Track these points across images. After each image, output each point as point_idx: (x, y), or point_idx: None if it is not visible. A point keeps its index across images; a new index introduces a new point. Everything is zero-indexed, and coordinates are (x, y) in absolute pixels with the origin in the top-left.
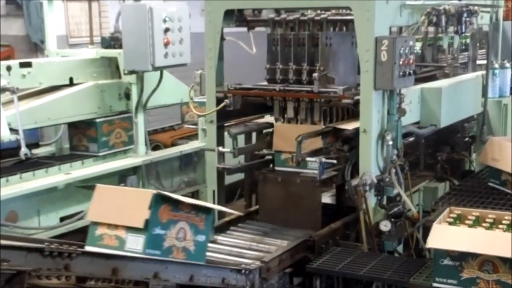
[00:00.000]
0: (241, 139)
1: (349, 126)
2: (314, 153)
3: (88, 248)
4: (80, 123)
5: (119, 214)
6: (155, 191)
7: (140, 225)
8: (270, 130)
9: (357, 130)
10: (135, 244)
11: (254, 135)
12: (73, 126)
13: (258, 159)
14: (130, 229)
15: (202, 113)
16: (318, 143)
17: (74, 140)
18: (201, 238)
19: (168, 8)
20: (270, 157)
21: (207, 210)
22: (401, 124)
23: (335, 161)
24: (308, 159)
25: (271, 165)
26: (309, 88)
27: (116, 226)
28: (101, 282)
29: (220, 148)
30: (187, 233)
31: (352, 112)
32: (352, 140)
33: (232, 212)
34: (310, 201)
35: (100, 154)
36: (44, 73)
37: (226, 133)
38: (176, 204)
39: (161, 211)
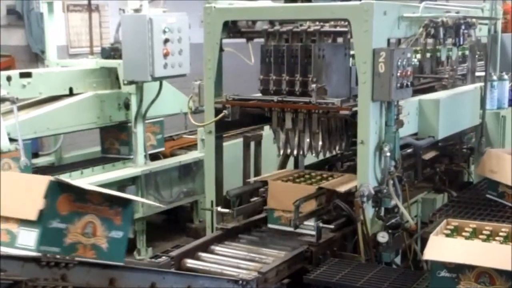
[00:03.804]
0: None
1: (342, 187)
2: (311, 214)
3: (271, 226)
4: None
5: (10, 205)
6: (52, 177)
7: (33, 217)
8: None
9: (352, 191)
10: (27, 240)
11: None
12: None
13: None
14: (23, 222)
15: (201, 124)
16: (312, 205)
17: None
18: (117, 234)
19: (168, 19)
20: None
21: (124, 202)
22: (398, 136)
23: (332, 226)
24: (306, 223)
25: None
26: (306, 100)
27: (7, 219)
28: None
29: (219, 208)
30: (97, 228)
31: (350, 123)
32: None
33: (157, 205)
34: None
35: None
36: (44, 83)
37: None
38: (82, 194)
39: (61, 201)
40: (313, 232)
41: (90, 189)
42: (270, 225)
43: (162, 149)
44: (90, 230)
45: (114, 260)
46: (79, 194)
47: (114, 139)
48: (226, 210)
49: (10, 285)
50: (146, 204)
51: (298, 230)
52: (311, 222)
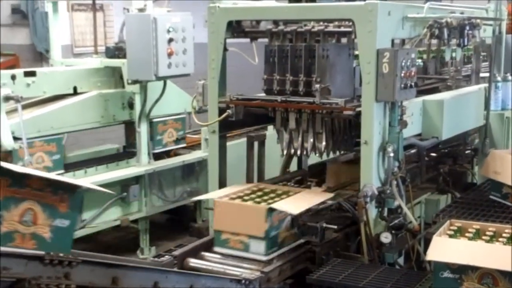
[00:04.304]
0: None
1: (295, 209)
2: (315, 215)
3: (217, 250)
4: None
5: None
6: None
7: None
8: None
9: (307, 211)
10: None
11: None
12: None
13: None
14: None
15: (205, 123)
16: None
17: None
18: (63, 223)
19: (172, 19)
20: None
21: (72, 188)
22: (402, 136)
23: (335, 227)
24: (309, 223)
25: None
26: (310, 100)
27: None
28: None
29: None
30: (38, 216)
31: (354, 124)
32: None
33: (106, 191)
34: None
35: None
36: (48, 82)
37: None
38: (20, 178)
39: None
40: (264, 258)
41: (28, 173)
42: (217, 249)
43: (184, 145)
44: (29, 218)
45: (59, 251)
46: (16, 178)
47: None
48: None
49: (14, 283)
50: (149, 203)
51: (248, 255)
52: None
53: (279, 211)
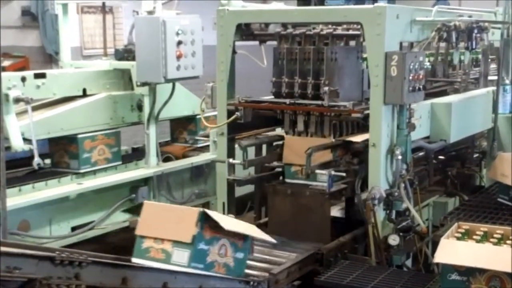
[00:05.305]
0: (251, 152)
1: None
2: (324, 165)
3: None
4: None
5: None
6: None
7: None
8: (280, 142)
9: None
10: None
11: (264, 147)
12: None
13: (268, 171)
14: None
15: (213, 126)
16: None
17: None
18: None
19: (181, 21)
20: (280, 169)
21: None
22: (410, 139)
23: (344, 174)
24: (317, 171)
25: (281, 177)
26: (319, 102)
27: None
28: None
29: (231, 160)
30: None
31: (362, 126)
32: (361, 153)
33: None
34: (320, 214)
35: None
36: (58, 84)
37: (236, 146)
38: (218, 223)
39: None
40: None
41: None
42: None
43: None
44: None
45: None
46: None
47: (182, 129)
48: (238, 161)
49: (24, 283)
50: None
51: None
52: None
53: (213, 225)
